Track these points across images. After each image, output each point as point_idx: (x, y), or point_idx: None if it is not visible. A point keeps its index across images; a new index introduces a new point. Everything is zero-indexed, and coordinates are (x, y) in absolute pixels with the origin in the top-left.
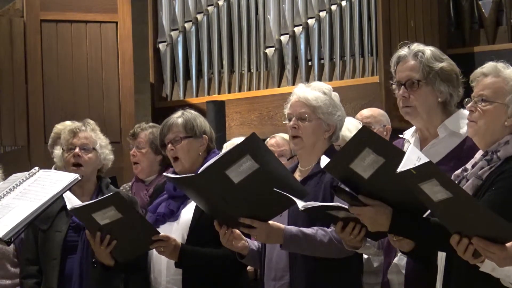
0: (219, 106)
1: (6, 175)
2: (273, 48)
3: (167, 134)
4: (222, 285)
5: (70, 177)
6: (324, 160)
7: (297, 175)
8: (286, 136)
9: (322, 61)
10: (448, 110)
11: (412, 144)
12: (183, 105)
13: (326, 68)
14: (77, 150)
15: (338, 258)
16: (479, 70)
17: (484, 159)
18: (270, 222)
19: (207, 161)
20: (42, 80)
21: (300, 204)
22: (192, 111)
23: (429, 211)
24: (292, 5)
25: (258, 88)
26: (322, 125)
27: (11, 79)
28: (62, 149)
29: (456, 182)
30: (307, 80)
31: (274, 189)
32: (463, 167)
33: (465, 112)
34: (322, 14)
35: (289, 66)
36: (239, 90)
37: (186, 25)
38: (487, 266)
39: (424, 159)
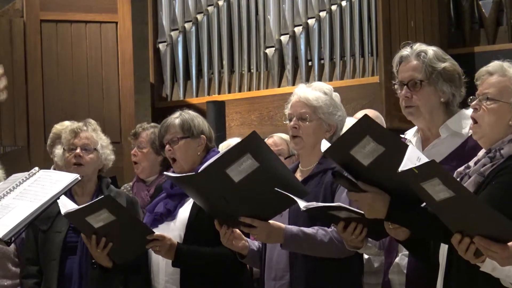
0: (219, 106)
1: (7, 175)
2: (273, 48)
3: (165, 135)
4: (221, 284)
5: (70, 177)
6: (324, 145)
7: (298, 175)
8: (283, 135)
9: (322, 61)
10: (450, 110)
11: (414, 144)
12: (183, 105)
13: (326, 68)
14: (78, 150)
15: (339, 258)
16: (484, 68)
17: (487, 157)
18: (270, 221)
19: (206, 161)
20: (42, 80)
21: (302, 204)
22: (190, 112)
23: None
24: (292, 5)
25: (258, 88)
26: (323, 125)
27: (11, 79)
28: (63, 149)
29: (459, 179)
30: (307, 80)
31: (275, 188)
32: (466, 165)
33: (467, 112)
34: (322, 14)
35: (289, 66)
36: (239, 90)
37: (186, 25)
38: (488, 266)
39: (424, 159)
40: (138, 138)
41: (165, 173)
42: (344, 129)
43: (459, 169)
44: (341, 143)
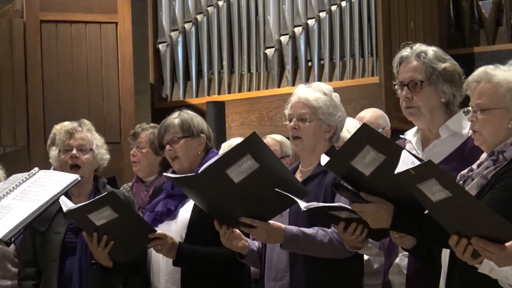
0: (219, 107)
1: (7, 176)
2: (273, 49)
3: (165, 135)
4: (221, 284)
5: (70, 177)
6: (324, 159)
7: (298, 176)
8: (277, 136)
9: (322, 62)
10: (450, 110)
11: (414, 144)
12: (183, 105)
13: (326, 69)
14: (74, 151)
15: (339, 258)
16: (470, 78)
17: (490, 159)
18: (270, 222)
19: (205, 161)
20: (42, 80)
21: (303, 204)
22: (189, 112)
23: None
24: (292, 6)
25: (258, 89)
26: (323, 126)
27: (11, 79)
28: (59, 150)
29: (462, 182)
30: (307, 80)
31: (275, 189)
32: (469, 167)
33: None
34: (322, 14)
35: (289, 67)
36: (239, 91)
37: (186, 25)
38: (485, 267)
39: (418, 164)
40: (137, 138)
41: (164, 174)
42: (344, 129)
43: (462, 172)
44: (341, 155)
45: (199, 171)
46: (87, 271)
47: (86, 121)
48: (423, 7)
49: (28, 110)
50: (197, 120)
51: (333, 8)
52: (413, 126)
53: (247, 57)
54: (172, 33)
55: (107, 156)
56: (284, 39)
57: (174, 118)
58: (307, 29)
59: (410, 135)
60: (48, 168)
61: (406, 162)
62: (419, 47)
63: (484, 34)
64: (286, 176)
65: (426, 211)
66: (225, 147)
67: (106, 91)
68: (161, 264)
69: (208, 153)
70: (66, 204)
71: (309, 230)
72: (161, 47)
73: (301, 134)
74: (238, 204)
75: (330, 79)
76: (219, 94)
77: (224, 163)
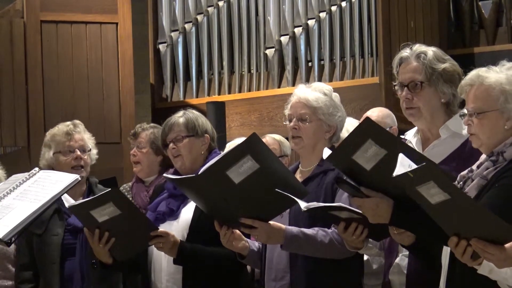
0: (219, 107)
1: (7, 176)
2: (273, 49)
3: (169, 134)
4: (222, 284)
5: (70, 177)
6: (327, 152)
7: (298, 176)
8: (276, 136)
9: (322, 62)
10: (451, 111)
11: (414, 145)
12: (183, 105)
13: (326, 69)
14: (78, 152)
15: (339, 259)
16: (463, 82)
17: (490, 160)
18: (270, 222)
19: (208, 161)
20: (42, 81)
21: (303, 204)
22: (194, 111)
23: None
24: (292, 6)
25: (258, 89)
26: (323, 126)
27: (11, 79)
28: (58, 151)
29: (462, 182)
30: (307, 81)
31: (276, 189)
32: (469, 168)
33: None
34: (322, 15)
35: (289, 67)
36: (239, 91)
37: (186, 26)
38: (485, 269)
39: (415, 167)
40: (137, 138)
41: (164, 175)
42: (344, 130)
43: (462, 173)
44: (343, 149)
45: (199, 173)
46: (88, 271)
47: (78, 122)
48: (423, 7)
49: (28, 110)
50: (202, 120)
51: (333, 8)
52: (413, 126)
53: (247, 58)
54: (172, 34)
55: (97, 156)
56: (284, 39)
57: (179, 117)
58: (307, 30)
59: (410, 136)
60: None
61: (403, 165)
62: (418, 47)
63: (484, 35)
64: (286, 176)
65: None
66: (230, 146)
67: (106, 91)
68: (163, 264)
69: (211, 153)
70: (68, 201)
71: (309, 231)
72: (161, 47)
73: (301, 134)
74: (238, 205)
75: (330, 80)
76: (219, 94)
77: (225, 164)
